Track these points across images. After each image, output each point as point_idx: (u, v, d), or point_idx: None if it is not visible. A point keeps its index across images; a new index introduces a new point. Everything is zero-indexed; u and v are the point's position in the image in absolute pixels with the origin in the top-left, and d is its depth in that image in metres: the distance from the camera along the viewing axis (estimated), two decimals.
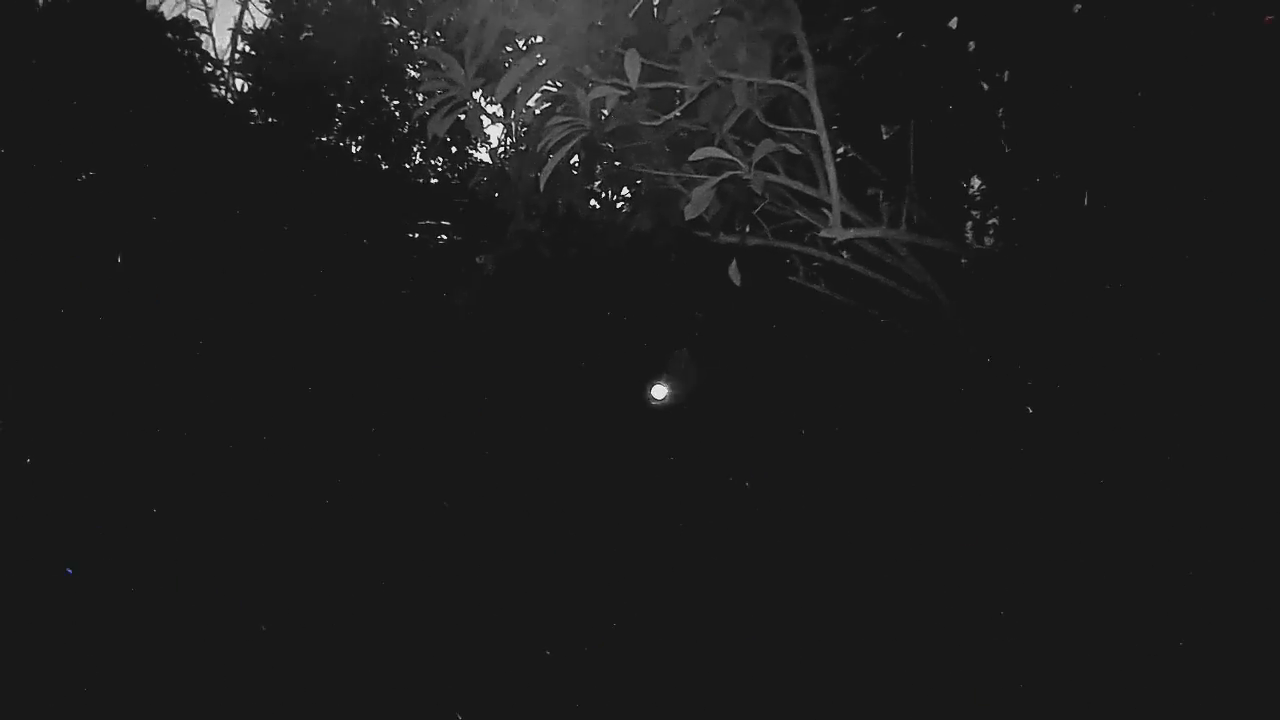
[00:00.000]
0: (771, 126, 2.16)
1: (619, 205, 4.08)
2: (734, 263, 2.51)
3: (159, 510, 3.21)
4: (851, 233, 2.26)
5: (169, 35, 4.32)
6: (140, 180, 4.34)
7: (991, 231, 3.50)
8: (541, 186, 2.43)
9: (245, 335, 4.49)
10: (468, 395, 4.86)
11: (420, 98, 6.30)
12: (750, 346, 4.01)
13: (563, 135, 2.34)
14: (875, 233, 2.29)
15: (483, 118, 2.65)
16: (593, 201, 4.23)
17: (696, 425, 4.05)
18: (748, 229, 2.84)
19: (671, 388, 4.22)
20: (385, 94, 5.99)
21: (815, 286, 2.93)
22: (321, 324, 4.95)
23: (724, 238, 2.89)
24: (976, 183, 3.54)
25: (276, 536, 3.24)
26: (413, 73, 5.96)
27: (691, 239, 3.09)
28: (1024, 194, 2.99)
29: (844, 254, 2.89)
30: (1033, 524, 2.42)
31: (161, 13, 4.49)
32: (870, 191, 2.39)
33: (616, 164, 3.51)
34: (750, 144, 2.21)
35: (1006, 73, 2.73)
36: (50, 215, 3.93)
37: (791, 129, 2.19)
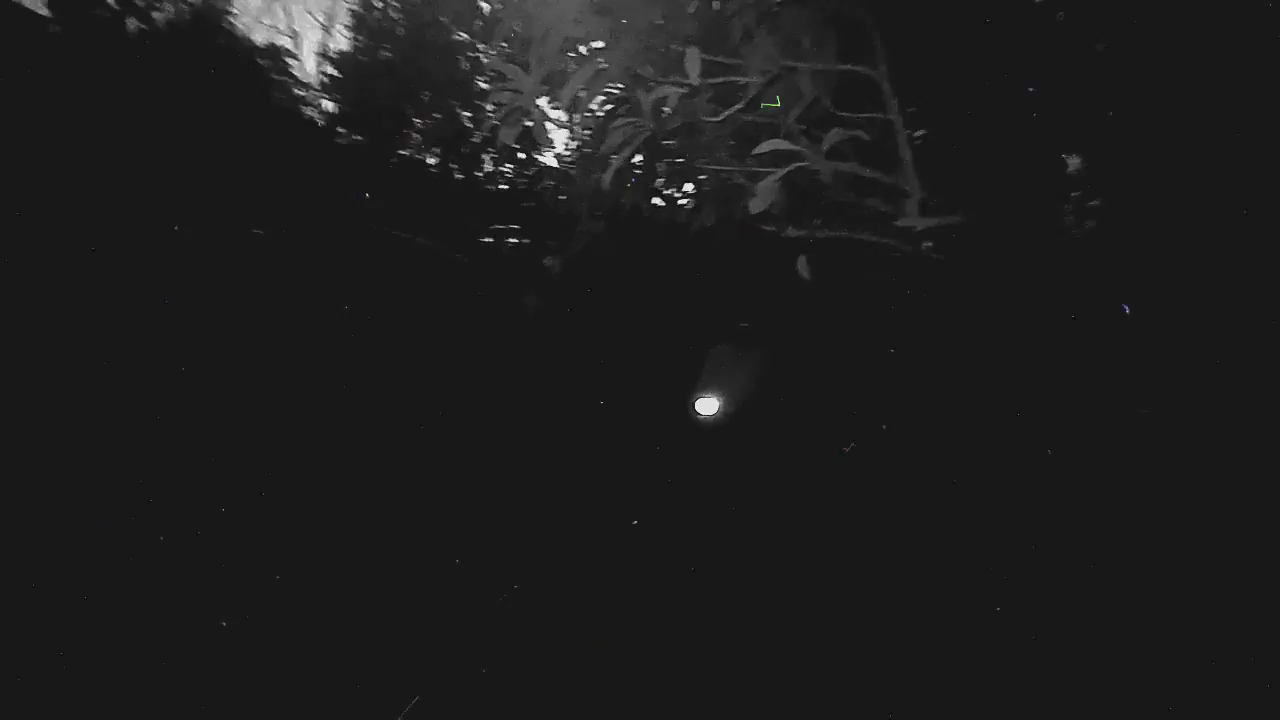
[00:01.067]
0: (841, 114, 2.07)
1: (682, 202, 4.06)
2: (803, 257, 2.43)
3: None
4: (932, 221, 2.14)
5: (260, 61, 4.70)
6: (241, 198, 4.76)
7: (1092, 214, 3.20)
8: (605, 186, 2.46)
9: (336, 335, 4.81)
10: (539, 394, 4.98)
11: (489, 108, 6.54)
12: (822, 345, 3.87)
13: (625, 136, 2.36)
14: (956, 219, 2.16)
15: (548, 123, 2.70)
16: (656, 199, 4.24)
17: (761, 432, 3.95)
18: (817, 221, 2.74)
19: (723, 396, 4.08)
20: (457, 106, 6.26)
21: (892, 279, 2.80)
22: (403, 326, 5.23)
23: (792, 231, 2.81)
24: (1075, 161, 3.25)
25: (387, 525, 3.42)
26: (482, 84, 6.20)
27: (757, 233, 3.02)
28: (1129, 172, 2.72)
29: (926, 243, 2.73)
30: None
31: (252, 40, 4.90)
32: (947, 179, 2.24)
33: (679, 160, 3.49)
34: (819, 133, 2.14)
35: (1103, 44, 2.49)
36: (152, 229, 4.36)
37: (863, 115, 2.10)
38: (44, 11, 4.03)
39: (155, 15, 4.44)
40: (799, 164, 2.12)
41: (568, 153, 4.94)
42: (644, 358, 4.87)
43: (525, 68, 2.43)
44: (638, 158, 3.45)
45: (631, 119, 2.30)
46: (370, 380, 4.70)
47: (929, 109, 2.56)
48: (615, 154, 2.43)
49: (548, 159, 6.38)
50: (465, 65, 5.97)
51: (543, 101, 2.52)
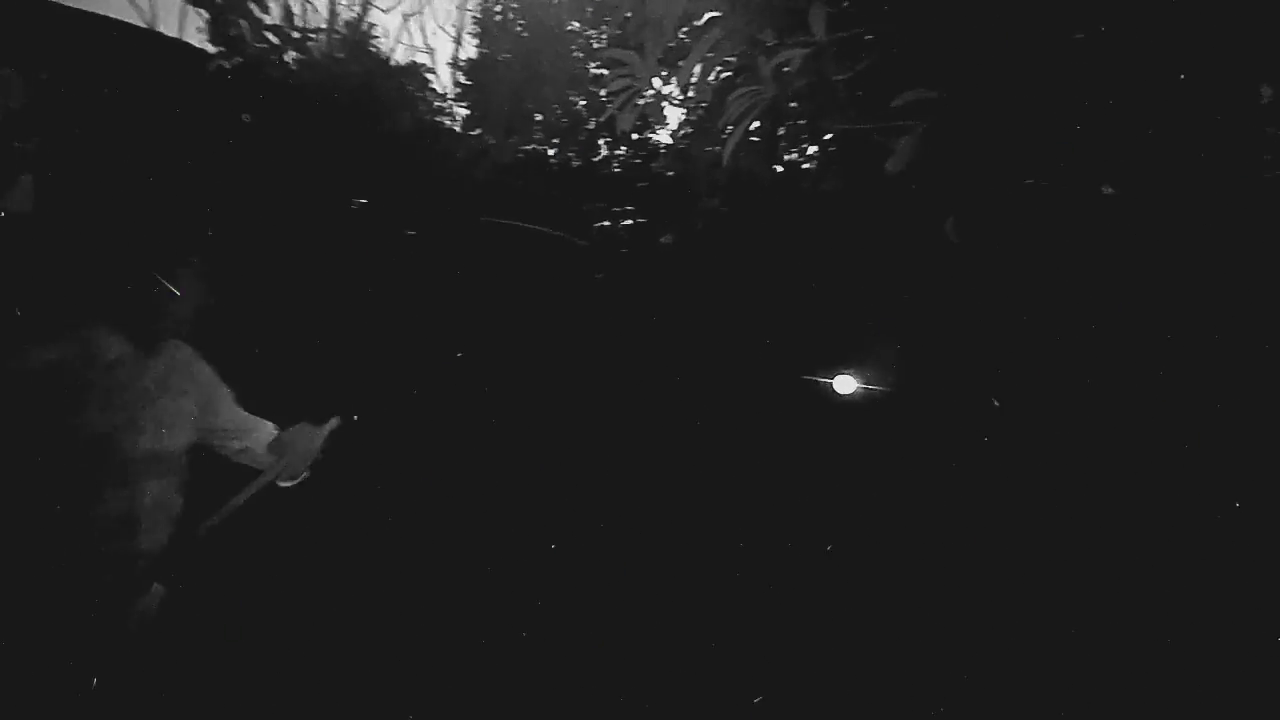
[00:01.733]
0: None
1: (805, 167, 3.84)
2: (951, 219, 2.19)
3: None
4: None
5: (404, 83, 5.14)
6: (396, 212, 5.29)
7: None
8: (725, 161, 2.39)
9: (482, 325, 5.22)
10: (658, 378, 5.04)
11: (603, 94, 6.61)
12: (971, 319, 3.48)
13: (744, 106, 2.26)
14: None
15: (663, 103, 2.67)
16: (777, 167, 4.04)
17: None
18: (965, 180, 2.45)
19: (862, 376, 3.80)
20: (573, 95, 6.43)
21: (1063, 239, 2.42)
22: (531, 312, 5.53)
23: (937, 190, 2.54)
24: None
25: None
26: (595, 70, 6.29)
27: (894, 195, 2.77)
28: None
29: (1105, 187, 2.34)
30: None
31: (396, 61, 5.37)
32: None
33: (801, 122, 3.29)
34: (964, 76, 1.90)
35: None
36: (320, 250, 4.97)
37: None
38: (211, 49, 4.63)
39: (310, 46, 4.97)
40: (941, 114, 1.91)
41: (683, 129, 4.88)
42: (768, 336, 4.73)
43: (639, 50, 2.42)
44: (756, 125, 3.30)
45: (750, 87, 2.20)
46: (509, 364, 5.02)
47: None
48: (733, 125, 2.35)
49: (662, 137, 6.35)
50: (579, 53, 6.09)
51: (657, 82, 2.49)
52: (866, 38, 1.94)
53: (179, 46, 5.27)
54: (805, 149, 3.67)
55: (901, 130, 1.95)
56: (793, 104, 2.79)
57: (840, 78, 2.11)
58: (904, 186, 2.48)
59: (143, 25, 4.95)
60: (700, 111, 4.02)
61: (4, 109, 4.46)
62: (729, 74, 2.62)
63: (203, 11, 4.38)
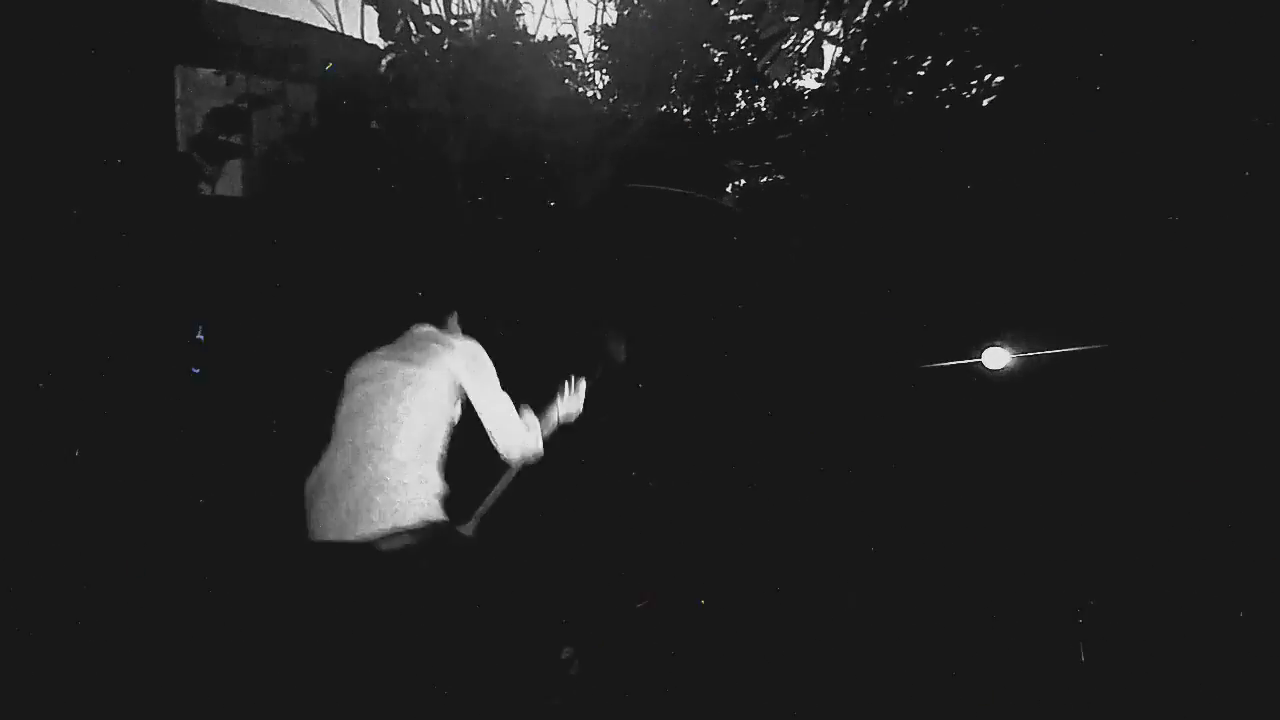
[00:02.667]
0: None
1: (985, 104, 3.31)
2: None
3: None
4: None
5: (548, 57, 5.28)
6: (540, 177, 5.54)
7: None
8: (897, 101, 2.16)
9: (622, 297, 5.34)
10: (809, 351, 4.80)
11: (741, 42, 6.25)
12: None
13: (906, 38, 2.01)
14: None
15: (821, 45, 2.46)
16: (942, 108, 3.51)
17: None
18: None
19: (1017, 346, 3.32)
20: (709, 47, 6.17)
21: None
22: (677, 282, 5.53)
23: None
24: None
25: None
26: (734, 17, 5.96)
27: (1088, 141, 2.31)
28: None
29: None
30: None
31: (541, 37, 5.52)
32: None
33: (980, 50, 2.82)
34: None
35: None
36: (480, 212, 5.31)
37: None
38: (380, 43, 5.05)
39: (464, 32, 5.26)
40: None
41: (837, 72, 4.45)
42: (918, 302, 4.29)
43: None
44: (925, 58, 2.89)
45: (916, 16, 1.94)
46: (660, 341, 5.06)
47: None
48: (895, 61, 2.10)
49: (807, 82, 5.91)
50: (715, 2, 5.81)
51: (819, 23, 2.29)
52: None
53: (358, 44, 5.87)
54: (986, 80, 3.14)
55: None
56: (973, 27, 2.42)
57: None
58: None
59: (328, 27, 5.54)
60: (857, 52, 3.61)
61: (211, 106, 5.29)
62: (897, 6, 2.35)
63: (374, 9, 4.79)
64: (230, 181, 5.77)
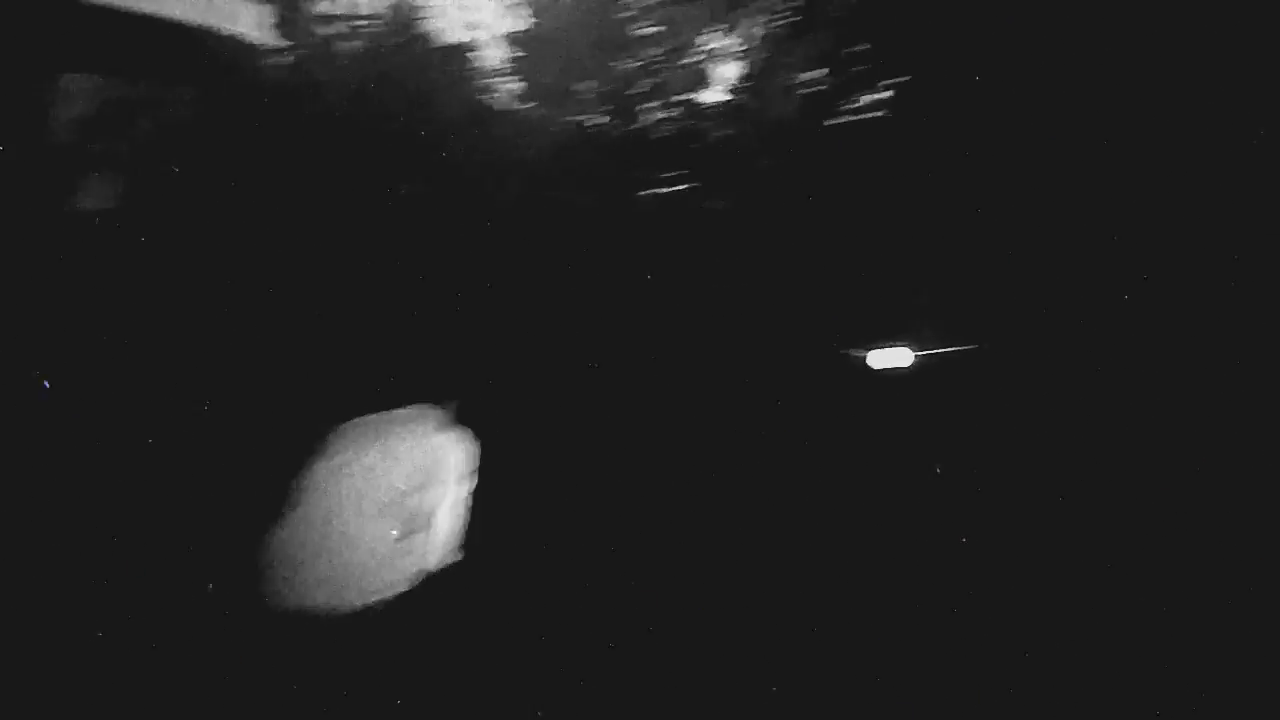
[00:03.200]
0: None
1: (871, 116, 3.64)
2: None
3: None
4: None
5: (458, 64, 5.18)
6: (446, 184, 5.40)
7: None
8: (779, 117, 2.31)
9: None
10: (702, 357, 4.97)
11: (655, 53, 6.44)
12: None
13: (805, 55, 2.17)
14: None
15: (718, 60, 2.60)
16: (840, 119, 3.86)
17: None
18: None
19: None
20: (623, 59, 6.31)
21: None
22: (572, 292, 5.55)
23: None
24: None
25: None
26: (644, 30, 6.13)
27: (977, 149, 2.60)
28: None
29: None
30: None
31: (449, 42, 5.39)
32: None
33: (868, 69, 3.11)
34: None
35: None
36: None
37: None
38: (278, 44, 4.77)
39: (362, 33, 5.05)
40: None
41: (740, 83, 4.69)
42: (818, 307, 4.59)
43: (691, 4, 2.35)
44: (821, 72, 3.15)
45: (815, 33, 2.11)
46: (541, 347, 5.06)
47: None
48: (792, 76, 2.26)
49: (714, 95, 6.16)
50: (632, 13, 5.94)
51: (715, 38, 2.42)
52: None
53: (235, 44, 5.47)
54: (869, 99, 3.47)
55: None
56: (859, 45, 2.65)
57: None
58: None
59: (198, 23, 5.14)
60: (759, 65, 3.87)
61: (73, 114, 4.78)
62: (794, 19, 2.52)
63: (267, 7, 4.52)
64: (104, 191, 5.22)
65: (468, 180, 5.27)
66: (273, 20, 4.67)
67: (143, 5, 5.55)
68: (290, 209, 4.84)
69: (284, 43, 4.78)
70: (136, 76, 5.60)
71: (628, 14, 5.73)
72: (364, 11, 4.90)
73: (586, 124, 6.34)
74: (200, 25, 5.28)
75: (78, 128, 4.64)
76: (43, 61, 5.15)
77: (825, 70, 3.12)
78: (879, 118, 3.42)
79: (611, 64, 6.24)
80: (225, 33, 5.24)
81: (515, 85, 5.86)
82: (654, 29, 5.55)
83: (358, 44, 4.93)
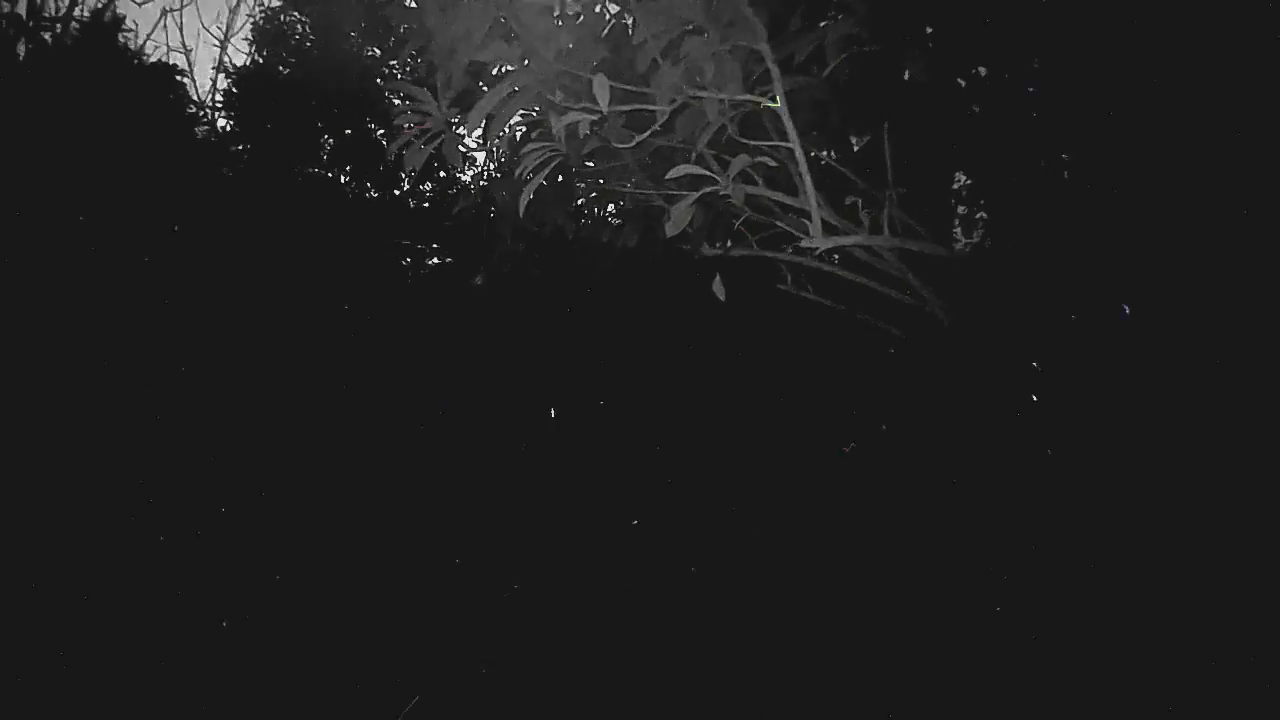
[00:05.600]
0: (746, 141, 2.16)
1: (608, 221, 4.10)
2: (718, 276, 2.51)
3: None
4: (832, 241, 2.26)
5: (155, 84, 4.39)
6: (129, 220, 4.37)
7: (980, 227, 3.47)
8: (520, 211, 2.44)
9: (244, 363, 4.50)
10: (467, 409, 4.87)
11: (406, 126, 6.34)
12: (738, 355, 3.99)
13: (540, 159, 2.35)
14: (857, 240, 2.29)
15: (463, 146, 2.66)
16: (582, 219, 4.25)
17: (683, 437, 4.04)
18: (728, 242, 2.84)
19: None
20: (371, 124, 6.05)
21: (804, 294, 2.93)
22: (318, 345, 4.97)
23: (707, 250, 2.89)
24: (962, 178, 3.51)
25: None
26: (395, 100, 6.01)
27: (678, 253, 3.09)
28: (1010, 186, 2.94)
29: (833, 259, 2.86)
30: (1033, 528, 2.38)
31: (144, 58, 4.55)
32: (849, 200, 2.38)
33: (600, 181, 3.52)
34: (727, 158, 2.21)
35: (982, 70, 2.73)
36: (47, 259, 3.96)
37: (768, 142, 2.19)
38: None
39: (45, 36, 4.10)
40: (711, 188, 2.19)
41: (485, 173, 4.89)
42: (577, 366, 4.86)
43: (434, 90, 2.39)
44: (558, 178, 3.45)
45: (545, 143, 2.30)
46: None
47: (831, 134, 2.72)
48: (531, 175, 2.42)
49: (466, 177, 6.26)
50: (379, 81, 5.78)
51: (454, 124, 2.48)
52: (650, 110, 2.16)
53: None
54: (605, 206, 3.93)
55: (677, 198, 2.18)
56: (587, 163, 2.97)
57: (624, 146, 2.31)
58: (680, 246, 2.78)
59: None
60: (501, 158, 4.08)
61: None
62: (524, 127, 2.71)
63: None
64: None
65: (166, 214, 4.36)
66: None
67: None
68: None
69: None
70: None
71: (383, 82, 5.61)
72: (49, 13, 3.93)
73: (324, 178, 5.84)
74: None
75: None
76: None
77: (563, 175, 3.47)
78: (615, 220, 3.92)
79: (358, 124, 5.97)
80: None
81: (228, 120, 5.15)
82: (399, 100, 5.52)
83: (33, 46, 3.92)
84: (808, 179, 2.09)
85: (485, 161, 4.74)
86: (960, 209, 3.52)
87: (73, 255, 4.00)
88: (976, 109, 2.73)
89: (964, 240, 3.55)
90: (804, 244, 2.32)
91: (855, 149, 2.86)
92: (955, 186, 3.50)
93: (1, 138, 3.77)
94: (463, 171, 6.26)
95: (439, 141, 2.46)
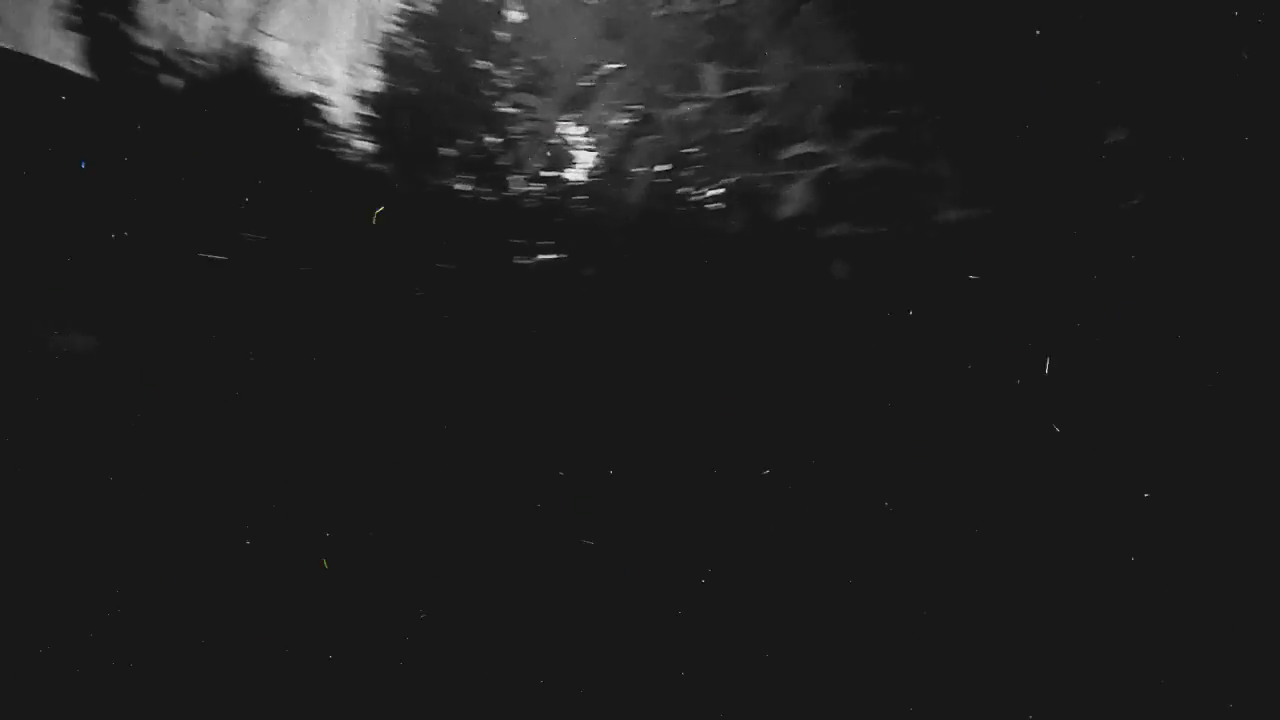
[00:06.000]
0: (867, 112, 2.02)
1: (711, 208, 4.05)
2: (839, 259, 2.39)
3: None
4: (965, 212, 2.07)
5: (296, 115, 4.94)
6: (289, 247, 5.00)
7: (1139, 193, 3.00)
8: (633, 202, 2.47)
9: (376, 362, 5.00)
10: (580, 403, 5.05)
11: (518, 132, 6.66)
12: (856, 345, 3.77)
13: (649, 152, 2.37)
14: (989, 211, 2.08)
15: (574, 144, 2.75)
16: (683, 208, 4.24)
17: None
18: (848, 223, 2.68)
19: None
20: (484, 132, 6.44)
21: (929, 277, 2.70)
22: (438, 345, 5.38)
23: (823, 233, 2.76)
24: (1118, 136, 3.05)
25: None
26: (505, 109, 6.34)
27: (790, 237, 2.98)
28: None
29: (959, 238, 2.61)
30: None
31: (286, 91, 5.14)
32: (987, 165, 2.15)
33: (707, 168, 3.48)
34: (848, 131, 2.09)
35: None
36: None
37: (891, 111, 2.04)
38: (85, 72, 4.36)
39: (192, 71, 4.71)
40: (828, 166, 2.09)
41: (596, 168, 5.01)
42: (681, 360, 4.87)
43: (544, 94, 2.48)
44: (667, 167, 3.46)
45: (654, 135, 2.31)
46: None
47: (956, 102, 2.46)
48: (640, 168, 2.45)
49: (576, 176, 6.46)
50: (488, 92, 6.12)
51: (565, 125, 2.56)
52: (756, 93, 2.10)
53: (52, 71, 4.80)
54: (708, 192, 3.89)
55: (790, 179, 2.11)
56: (695, 150, 2.95)
57: (735, 130, 2.26)
58: (796, 229, 2.67)
59: (8, 47, 4.50)
60: (610, 155, 4.16)
61: None
62: (633, 121, 2.74)
63: (74, 35, 4.05)
64: None
65: (310, 233, 4.93)
66: (90, 52, 4.19)
67: None
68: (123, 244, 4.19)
69: (102, 76, 4.29)
70: None
71: (490, 92, 5.95)
72: (194, 50, 4.57)
73: (446, 188, 6.35)
74: (18, 53, 4.59)
75: None
76: None
77: (668, 165, 3.46)
78: (718, 209, 3.85)
79: (474, 134, 6.38)
80: (46, 64, 4.59)
81: (368, 144, 5.75)
82: (511, 109, 5.82)
83: (182, 82, 4.55)
84: (939, 148, 1.92)
85: (595, 159, 4.87)
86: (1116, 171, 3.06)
87: (243, 268, 4.64)
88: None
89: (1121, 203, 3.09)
90: (939, 218, 2.14)
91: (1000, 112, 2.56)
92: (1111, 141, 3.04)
93: (156, 167, 4.42)
94: (574, 169, 6.47)
95: (551, 143, 2.56)
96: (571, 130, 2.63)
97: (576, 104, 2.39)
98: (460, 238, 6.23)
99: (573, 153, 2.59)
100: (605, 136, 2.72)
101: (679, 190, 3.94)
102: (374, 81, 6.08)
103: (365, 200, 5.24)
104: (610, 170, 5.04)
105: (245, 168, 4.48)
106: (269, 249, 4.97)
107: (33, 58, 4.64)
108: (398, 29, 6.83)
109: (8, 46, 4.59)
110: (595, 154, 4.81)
